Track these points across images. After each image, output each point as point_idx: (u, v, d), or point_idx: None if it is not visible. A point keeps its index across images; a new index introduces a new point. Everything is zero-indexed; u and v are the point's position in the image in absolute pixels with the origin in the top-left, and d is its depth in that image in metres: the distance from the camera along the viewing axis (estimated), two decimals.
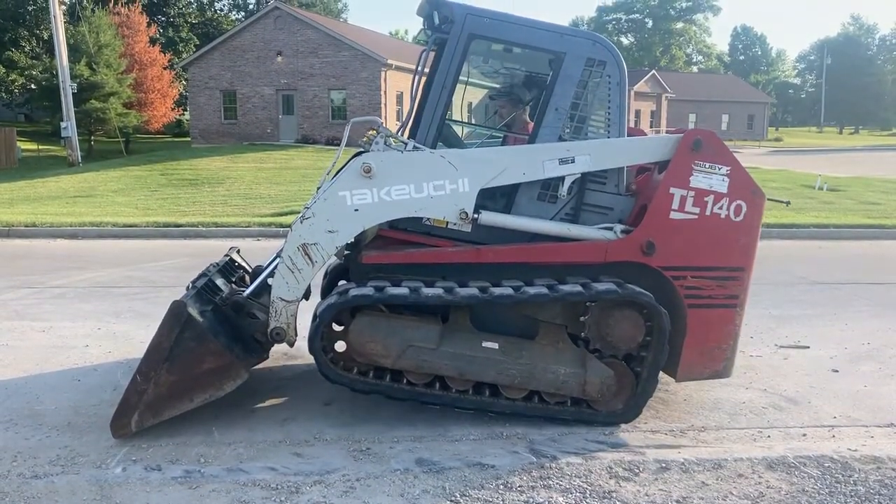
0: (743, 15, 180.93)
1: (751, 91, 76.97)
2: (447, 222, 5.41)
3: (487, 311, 5.38)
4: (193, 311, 5.07)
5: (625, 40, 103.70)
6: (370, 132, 5.44)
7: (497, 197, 5.53)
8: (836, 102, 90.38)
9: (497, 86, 6.77)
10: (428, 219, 5.44)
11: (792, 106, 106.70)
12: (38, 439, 5.12)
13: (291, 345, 5.46)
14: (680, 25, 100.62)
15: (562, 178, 5.38)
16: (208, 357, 5.06)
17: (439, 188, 5.19)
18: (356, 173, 5.15)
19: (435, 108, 5.42)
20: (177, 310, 5.03)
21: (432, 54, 5.57)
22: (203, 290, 5.53)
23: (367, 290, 5.13)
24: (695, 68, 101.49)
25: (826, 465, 4.86)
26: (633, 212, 5.54)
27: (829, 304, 9.19)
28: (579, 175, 5.41)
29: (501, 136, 6.32)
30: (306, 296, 5.71)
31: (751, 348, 7.35)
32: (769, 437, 5.36)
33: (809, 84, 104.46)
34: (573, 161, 5.29)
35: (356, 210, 5.18)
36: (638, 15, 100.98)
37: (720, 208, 5.35)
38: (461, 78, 5.50)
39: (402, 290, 5.14)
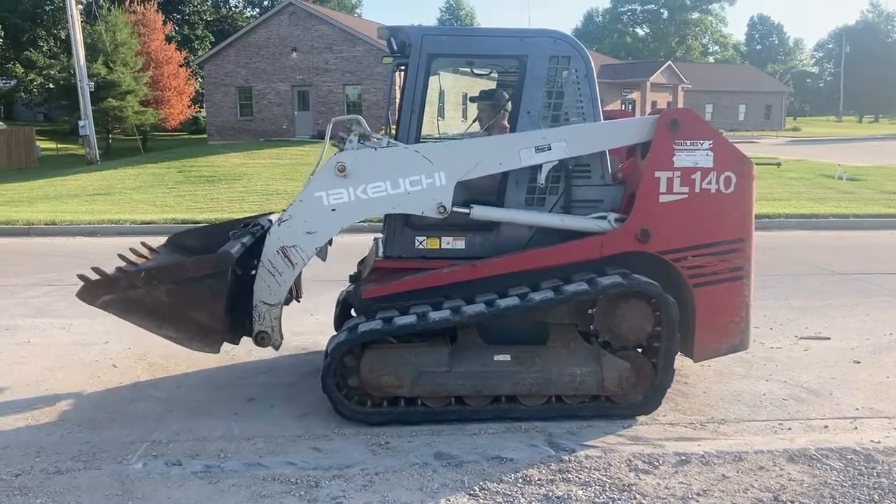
0: (759, 4, 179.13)
1: (768, 81, 76.16)
2: (440, 243, 5.44)
3: (495, 323, 5.35)
4: (232, 268, 5.08)
5: (640, 31, 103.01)
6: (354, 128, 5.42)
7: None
8: (856, 91, 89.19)
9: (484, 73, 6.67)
10: (421, 242, 5.47)
11: (810, 95, 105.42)
12: (59, 435, 5.17)
13: (276, 348, 5.48)
14: (696, 16, 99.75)
15: (539, 168, 5.33)
16: (206, 312, 5.10)
17: (416, 183, 5.17)
18: (331, 173, 5.15)
19: (408, 131, 5.41)
20: (223, 259, 5.08)
21: (400, 77, 5.57)
22: (250, 249, 5.51)
23: (376, 324, 5.15)
24: (711, 58, 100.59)
25: (849, 457, 4.81)
26: (623, 200, 5.51)
27: (850, 295, 9.10)
28: (557, 162, 5.36)
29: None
30: (297, 298, 5.72)
31: (771, 340, 7.29)
32: (790, 429, 5.32)
33: (828, 73, 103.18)
34: (550, 148, 5.25)
35: (333, 210, 5.19)
36: (653, 6, 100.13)
37: (709, 183, 5.31)
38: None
39: (410, 319, 5.14)
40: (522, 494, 4.35)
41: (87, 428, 5.29)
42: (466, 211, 5.30)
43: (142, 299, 5.06)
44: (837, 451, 4.90)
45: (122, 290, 5.06)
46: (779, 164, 7.86)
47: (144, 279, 5.03)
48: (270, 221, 6.36)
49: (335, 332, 5.84)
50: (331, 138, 5.56)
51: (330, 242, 5.68)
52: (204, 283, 5.05)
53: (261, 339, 5.38)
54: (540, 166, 5.32)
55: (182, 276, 5.07)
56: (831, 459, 4.78)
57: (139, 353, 6.93)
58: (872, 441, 5.05)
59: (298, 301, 6.23)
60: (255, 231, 5.88)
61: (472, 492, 4.39)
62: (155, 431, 5.21)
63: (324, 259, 5.80)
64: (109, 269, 5.25)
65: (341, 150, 5.31)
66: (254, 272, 5.45)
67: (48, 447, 4.96)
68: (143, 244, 6.09)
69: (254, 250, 5.58)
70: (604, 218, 5.38)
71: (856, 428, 5.33)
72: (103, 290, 5.06)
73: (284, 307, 5.49)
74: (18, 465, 4.69)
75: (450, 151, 5.30)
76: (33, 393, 5.96)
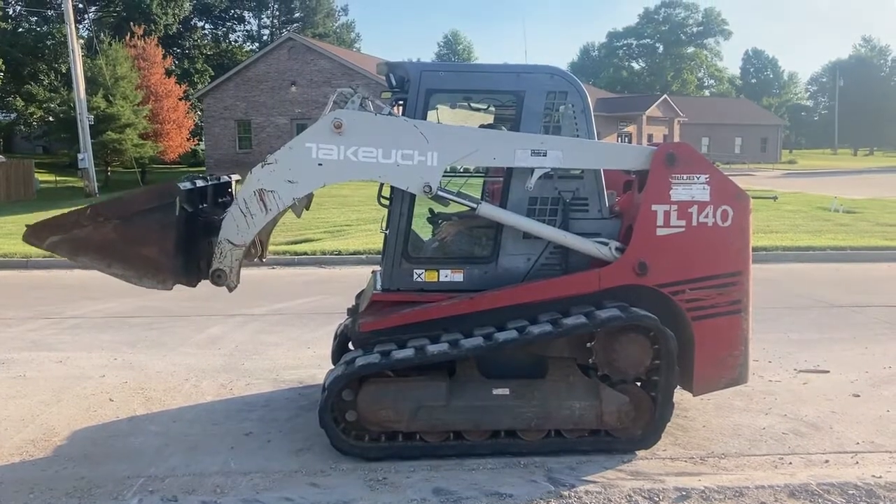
0: (754, 38, 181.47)
1: (763, 114, 76.90)
2: (438, 276, 5.44)
3: (494, 357, 5.33)
4: (180, 201, 5.01)
5: (636, 65, 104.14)
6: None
7: (483, 242, 5.54)
8: (850, 124, 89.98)
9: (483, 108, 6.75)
10: (419, 275, 5.45)
11: (805, 128, 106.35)
12: (54, 470, 5.12)
13: (231, 290, 5.38)
14: (691, 50, 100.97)
15: (531, 174, 5.31)
16: (155, 246, 5.02)
17: (407, 157, 5.17)
18: (327, 127, 5.14)
19: None
20: (169, 190, 4.99)
21: (399, 112, 5.63)
22: (200, 190, 5.48)
23: (374, 358, 5.13)
24: (707, 92, 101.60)
25: (850, 492, 4.78)
26: (620, 233, 5.53)
27: (849, 328, 9.09)
28: (549, 170, 5.35)
29: (481, 178, 6.36)
30: (260, 257, 5.70)
31: (770, 373, 7.27)
32: (791, 463, 5.28)
33: (822, 106, 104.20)
34: (545, 154, 5.26)
35: (320, 164, 5.16)
36: (649, 40, 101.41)
37: (706, 217, 5.34)
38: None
39: (408, 353, 5.13)
40: None
41: (82, 463, 5.24)
42: (474, 206, 5.30)
43: (89, 237, 4.98)
44: (839, 486, 4.86)
45: (68, 230, 4.98)
46: (775, 198, 7.87)
47: (90, 216, 4.96)
48: (229, 178, 6.36)
49: (332, 366, 5.82)
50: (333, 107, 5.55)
51: (309, 205, 5.64)
52: (152, 216, 4.98)
53: (217, 278, 5.28)
54: (531, 172, 5.31)
55: (129, 210, 5.00)
56: (833, 495, 4.74)
57: (136, 387, 6.89)
58: (874, 476, 5.02)
59: (262, 260, 6.15)
60: (208, 177, 5.85)
61: None
62: (151, 466, 5.16)
63: (298, 215, 5.73)
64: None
65: (341, 108, 5.30)
66: (204, 217, 5.41)
67: (42, 483, 4.91)
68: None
69: (206, 194, 5.58)
70: (605, 244, 5.40)
71: (857, 462, 5.29)
72: (50, 231, 4.99)
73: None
74: (12, 502, 4.63)
75: (447, 134, 5.29)
76: (28, 427, 5.91)
